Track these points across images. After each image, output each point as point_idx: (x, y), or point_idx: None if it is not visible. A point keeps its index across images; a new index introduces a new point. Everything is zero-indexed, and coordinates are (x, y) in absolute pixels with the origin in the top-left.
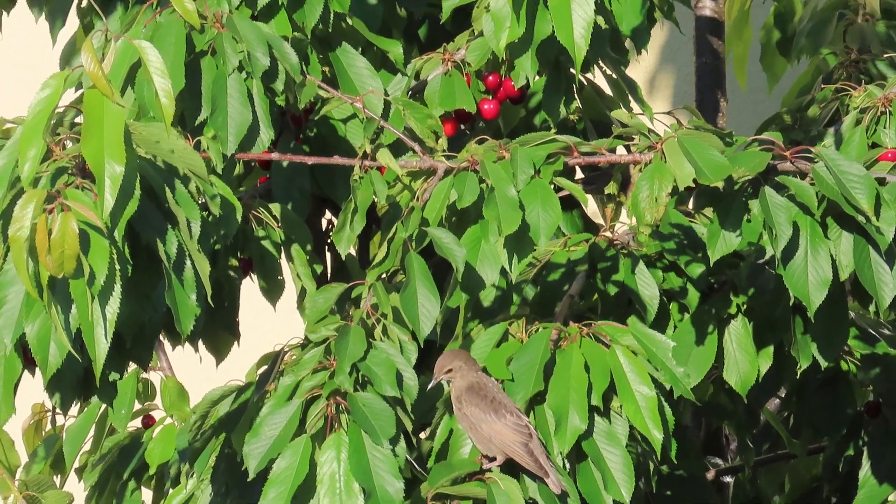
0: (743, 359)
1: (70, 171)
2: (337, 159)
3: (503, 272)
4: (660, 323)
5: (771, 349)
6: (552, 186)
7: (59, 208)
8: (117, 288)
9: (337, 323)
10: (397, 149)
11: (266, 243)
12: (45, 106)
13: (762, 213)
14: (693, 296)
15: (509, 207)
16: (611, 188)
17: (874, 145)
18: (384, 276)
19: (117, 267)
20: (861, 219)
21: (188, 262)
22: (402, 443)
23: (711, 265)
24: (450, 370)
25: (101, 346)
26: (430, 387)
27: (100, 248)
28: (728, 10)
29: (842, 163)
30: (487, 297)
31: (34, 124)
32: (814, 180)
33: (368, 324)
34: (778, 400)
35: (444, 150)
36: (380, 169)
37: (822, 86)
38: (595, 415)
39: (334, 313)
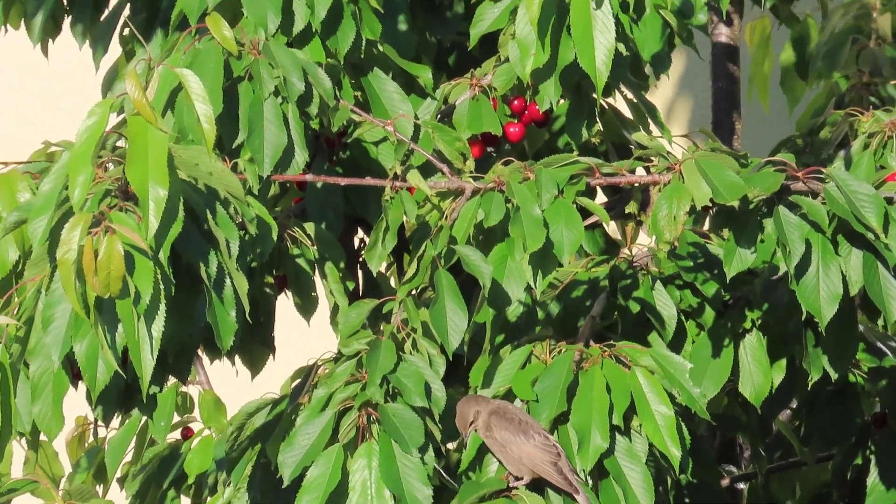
0: (757, 371)
1: (113, 194)
2: (369, 180)
3: (528, 288)
4: (677, 339)
5: (784, 362)
6: (575, 206)
7: (105, 231)
8: (162, 307)
9: (368, 337)
10: (427, 170)
11: (301, 261)
12: (93, 133)
13: (776, 231)
14: (709, 314)
15: (534, 226)
16: (631, 207)
17: (881, 168)
18: (414, 291)
19: (161, 287)
20: (870, 236)
21: (227, 281)
22: (431, 452)
23: (728, 281)
24: (472, 421)
25: (147, 364)
26: (465, 441)
27: (144, 269)
28: (749, 36)
29: (852, 183)
30: (513, 313)
31: (83, 151)
32: (825, 200)
33: (399, 338)
34: (789, 411)
35: (471, 172)
36: (410, 189)
37: (833, 110)
38: (616, 433)
39: (366, 328)
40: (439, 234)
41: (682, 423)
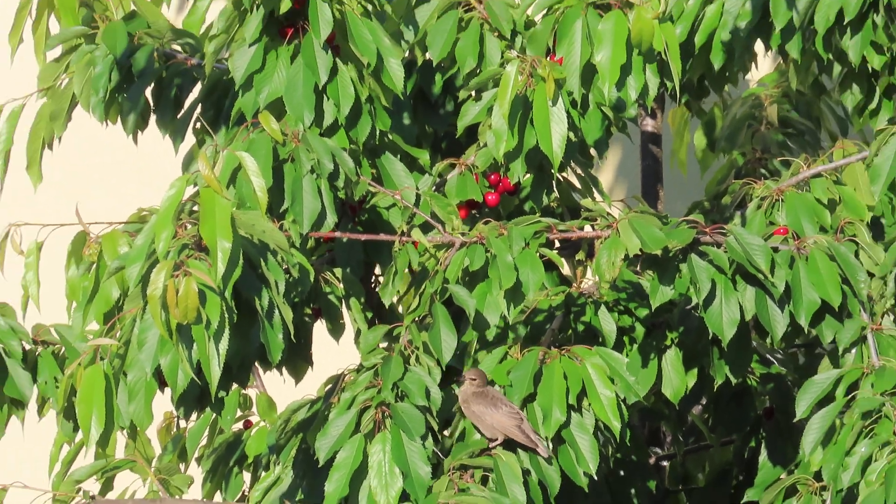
0: (675, 377)
1: (190, 247)
2: (382, 236)
3: (503, 317)
4: (616, 351)
5: (696, 370)
6: (538, 255)
7: (183, 274)
8: (226, 331)
9: (383, 353)
10: (426, 228)
11: (331, 297)
12: (173, 200)
13: (689, 273)
14: (640, 331)
15: (507, 269)
16: (580, 255)
17: (771, 223)
18: (417, 319)
19: (226, 316)
20: (761, 276)
21: (276, 312)
22: (430, 439)
23: (653, 310)
24: (473, 378)
25: (215, 374)
26: (459, 383)
27: (213, 302)
28: (672, 118)
29: (746, 236)
30: (491, 334)
31: (165, 213)
32: (726, 249)
33: (406, 354)
34: (700, 406)
35: (459, 229)
36: (413, 243)
37: (733, 180)
38: (571, 411)
39: (380, 347)
40: (435, 277)
41: (623, 405)
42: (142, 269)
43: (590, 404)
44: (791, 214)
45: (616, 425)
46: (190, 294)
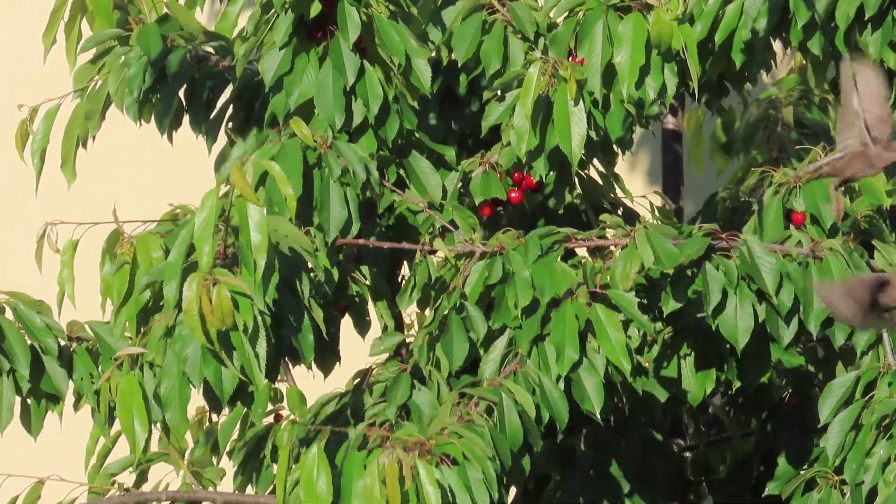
0: (694, 384)
1: (218, 256)
2: (405, 245)
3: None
4: (638, 355)
5: (713, 374)
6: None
7: (213, 283)
8: (262, 333)
9: (397, 368)
10: (447, 233)
11: (357, 295)
12: (210, 214)
13: (702, 281)
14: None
15: (524, 286)
16: (597, 264)
17: (789, 210)
18: (430, 335)
19: (259, 319)
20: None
21: (306, 314)
22: None
23: (664, 317)
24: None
25: (258, 375)
26: None
27: (246, 308)
28: (687, 123)
29: (757, 249)
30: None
31: (205, 228)
32: (738, 258)
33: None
34: (721, 395)
35: (479, 240)
36: (434, 254)
37: (754, 168)
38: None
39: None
40: (453, 293)
41: (631, 348)
42: (178, 288)
43: (599, 347)
44: (809, 199)
45: (626, 366)
46: (224, 300)
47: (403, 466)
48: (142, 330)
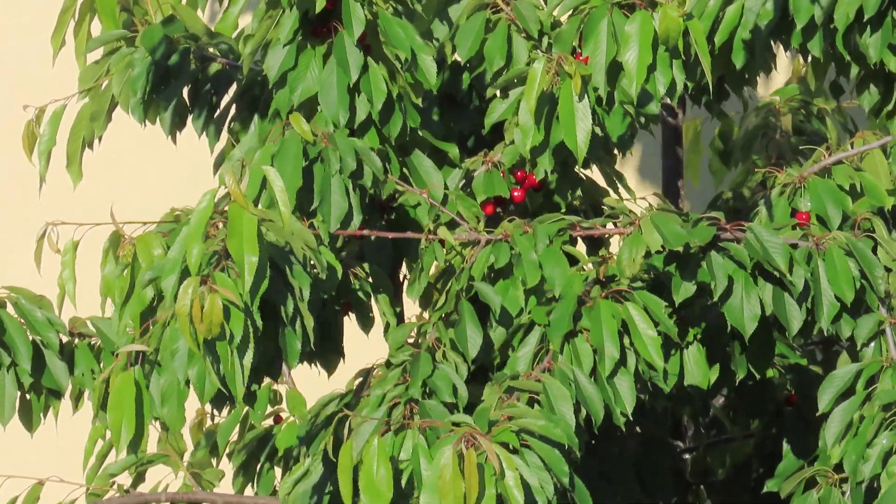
0: (698, 373)
1: (218, 254)
2: (409, 234)
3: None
4: None
5: (717, 365)
6: (562, 252)
7: (209, 290)
8: (251, 345)
9: (411, 350)
10: (452, 226)
11: (360, 292)
12: (202, 216)
13: (708, 269)
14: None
15: (532, 268)
16: (602, 252)
17: (794, 210)
18: (443, 316)
19: (250, 331)
20: (778, 274)
21: (298, 319)
22: None
23: (676, 306)
24: None
25: (239, 387)
26: None
27: (237, 318)
28: (685, 131)
29: (765, 234)
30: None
31: (195, 229)
32: (746, 246)
33: (433, 350)
34: (723, 398)
35: (484, 228)
36: (440, 241)
37: (756, 169)
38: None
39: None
40: (461, 274)
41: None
42: (176, 282)
43: (632, 344)
44: (815, 199)
45: (660, 363)
46: (214, 310)
47: (480, 456)
48: (147, 328)
